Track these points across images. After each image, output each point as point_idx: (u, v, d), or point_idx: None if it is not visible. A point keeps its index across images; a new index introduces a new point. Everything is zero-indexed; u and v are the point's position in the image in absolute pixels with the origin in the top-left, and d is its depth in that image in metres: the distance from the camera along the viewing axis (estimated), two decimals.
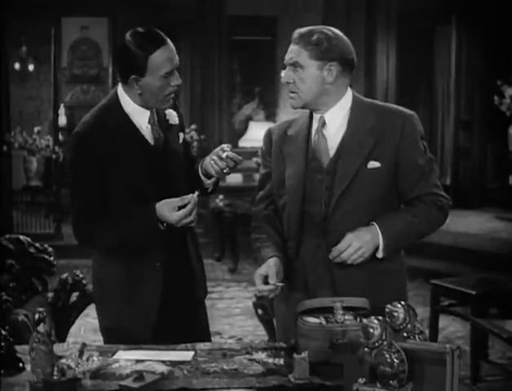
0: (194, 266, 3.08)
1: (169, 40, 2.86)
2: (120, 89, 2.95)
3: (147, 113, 2.96)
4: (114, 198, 2.90)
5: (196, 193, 2.87)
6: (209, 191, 3.13)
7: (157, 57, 2.81)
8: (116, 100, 2.95)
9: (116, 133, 2.89)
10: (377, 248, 2.76)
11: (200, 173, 3.05)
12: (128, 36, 2.86)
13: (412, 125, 2.83)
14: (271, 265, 2.80)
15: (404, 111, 2.88)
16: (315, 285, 2.86)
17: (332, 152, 2.84)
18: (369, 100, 2.95)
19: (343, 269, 2.78)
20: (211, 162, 2.95)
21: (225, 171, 2.95)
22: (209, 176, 3.03)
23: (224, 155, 2.91)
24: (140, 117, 2.94)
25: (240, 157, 2.94)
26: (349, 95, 2.88)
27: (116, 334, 2.94)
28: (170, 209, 2.83)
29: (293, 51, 2.84)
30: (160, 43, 2.83)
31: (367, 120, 2.83)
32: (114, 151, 2.87)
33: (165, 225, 2.85)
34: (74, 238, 3.00)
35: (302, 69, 2.81)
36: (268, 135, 3.02)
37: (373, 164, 2.79)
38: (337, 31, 2.85)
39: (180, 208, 2.83)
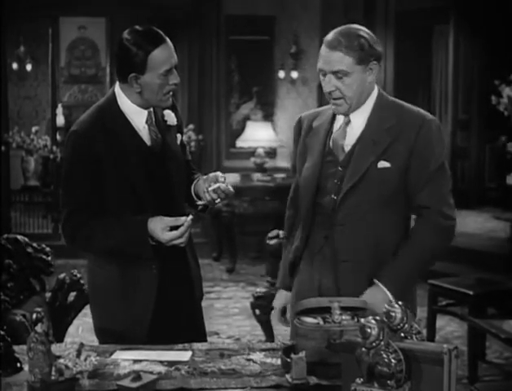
0: (191, 268, 3.08)
1: (167, 38, 2.87)
2: (117, 88, 2.95)
3: (145, 113, 2.95)
4: (109, 199, 2.89)
5: (191, 216, 2.85)
6: (199, 209, 3.12)
7: (157, 55, 2.82)
8: (113, 99, 2.94)
9: (113, 133, 2.88)
10: None
11: (193, 192, 3.05)
12: (126, 34, 2.86)
13: (429, 129, 2.83)
14: (285, 302, 3.10)
15: (426, 114, 2.88)
16: (320, 276, 2.91)
17: (348, 148, 2.87)
18: (393, 99, 2.95)
19: (347, 263, 2.84)
20: (203, 190, 2.94)
21: (216, 202, 2.95)
22: (200, 197, 3.04)
23: (217, 187, 2.90)
24: (137, 117, 2.94)
25: (232, 189, 2.93)
26: (375, 92, 2.90)
27: (110, 335, 2.94)
28: (162, 228, 2.81)
29: (335, 59, 2.78)
30: (159, 41, 2.84)
31: (386, 119, 2.85)
32: (110, 151, 2.86)
33: (154, 239, 2.84)
34: (64, 238, 2.98)
35: (347, 76, 2.78)
36: (298, 124, 3.06)
37: (383, 164, 2.81)
38: (364, 28, 2.85)
39: (173, 228, 2.82)
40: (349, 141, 2.88)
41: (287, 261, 3.08)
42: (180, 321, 3.04)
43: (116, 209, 2.89)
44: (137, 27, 2.89)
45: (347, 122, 2.88)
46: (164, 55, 2.84)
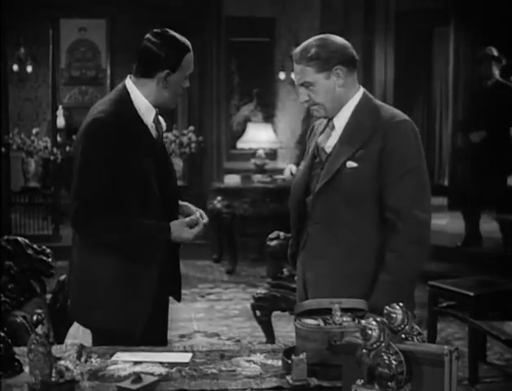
0: (180, 269, 3.19)
1: None
2: (129, 84, 3.00)
3: (153, 111, 3.03)
4: (120, 189, 2.90)
5: (198, 212, 3.08)
6: None
7: (189, 57, 3.02)
8: (126, 94, 2.99)
9: (129, 125, 2.93)
10: None
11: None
12: (155, 36, 2.96)
13: (399, 130, 2.86)
14: None
15: (398, 115, 2.90)
16: (304, 271, 3.00)
17: (329, 150, 2.95)
18: (376, 102, 2.99)
19: (324, 260, 2.90)
20: None
21: None
22: None
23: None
24: (147, 114, 3.00)
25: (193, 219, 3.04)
26: (357, 96, 2.96)
27: (105, 333, 2.95)
28: (186, 228, 2.97)
29: (299, 72, 2.93)
30: (189, 47, 3.03)
31: (363, 123, 2.91)
32: (126, 142, 2.90)
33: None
34: (73, 226, 2.98)
35: (312, 86, 2.91)
36: (312, 129, 3.16)
37: (351, 164, 2.87)
38: (329, 36, 2.94)
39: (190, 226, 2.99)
40: (330, 143, 2.96)
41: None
42: (167, 320, 3.16)
43: (127, 200, 2.92)
44: (163, 30, 3.00)
45: (332, 127, 2.97)
46: (191, 60, 3.04)
